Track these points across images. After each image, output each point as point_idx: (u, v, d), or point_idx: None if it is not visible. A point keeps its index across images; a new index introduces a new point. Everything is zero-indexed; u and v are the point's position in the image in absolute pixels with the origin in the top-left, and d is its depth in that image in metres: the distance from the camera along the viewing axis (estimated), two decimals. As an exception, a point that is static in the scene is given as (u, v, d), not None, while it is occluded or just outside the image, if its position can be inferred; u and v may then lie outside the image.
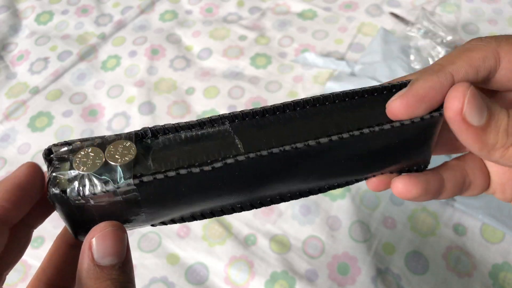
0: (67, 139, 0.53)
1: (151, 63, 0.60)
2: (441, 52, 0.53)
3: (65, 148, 0.18)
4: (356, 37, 0.60)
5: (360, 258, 0.41)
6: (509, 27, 0.59)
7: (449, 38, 0.53)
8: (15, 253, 0.20)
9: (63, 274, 0.21)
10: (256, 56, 0.59)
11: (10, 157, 0.52)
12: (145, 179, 0.17)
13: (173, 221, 0.21)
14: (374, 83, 0.51)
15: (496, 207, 0.42)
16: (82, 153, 0.18)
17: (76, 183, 0.17)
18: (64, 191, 0.17)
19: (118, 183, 0.17)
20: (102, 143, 0.18)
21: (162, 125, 0.19)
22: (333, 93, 0.20)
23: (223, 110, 0.53)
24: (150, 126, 0.19)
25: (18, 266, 0.43)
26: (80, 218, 0.18)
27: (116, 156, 0.17)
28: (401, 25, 0.59)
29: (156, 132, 0.18)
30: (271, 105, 0.19)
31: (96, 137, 0.18)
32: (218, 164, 0.17)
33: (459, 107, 0.17)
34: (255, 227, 0.44)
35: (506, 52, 0.19)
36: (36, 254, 0.44)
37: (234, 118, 0.19)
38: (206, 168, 0.17)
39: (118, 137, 0.18)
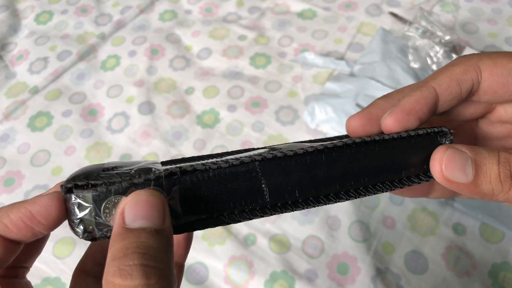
0: (66, 138, 0.54)
1: (151, 63, 0.60)
2: (439, 51, 0.53)
3: (90, 193, 0.18)
4: (356, 37, 0.60)
5: (359, 258, 0.41)
6: (509, 26, 0.59)
7: (447, 37, 0.53)
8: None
9: None
10: (255, 56, 0.59)
11: (10, 156, 0.52)
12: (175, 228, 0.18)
13: None
14: (373, 83, 0.51)
15: (495, 207, 0.42)
16: (109, 204, 0.18)
17: (105, 230, 0.18)
18: (93, 235, 0.18)
19: None
20: (129, 187, 0.18)
21: (190, 165, 0.19)
22: (359, 140, 0.20)
23: (222, 110, 0.53)
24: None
25: (17, 266, 0.43)
26: None
27: None
28: (399, 25, 0.60)
29: (184, 172, 0.18)
30: (301, 149, 0.20)
31: (121, 174, 0.18)
32: (244, 214, 0.19)
33: (439, 171, 0.19)
34: (254, 227, 0.44)
35: (487, 65, 0.20)
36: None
37: (263, 160, 0.19)
38: (233, 217, 0.19)
39: (147, 182, 0.18)
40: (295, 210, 0.20)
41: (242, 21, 0.64)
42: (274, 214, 0.20)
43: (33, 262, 0.21)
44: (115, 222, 0.17)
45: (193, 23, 0.65)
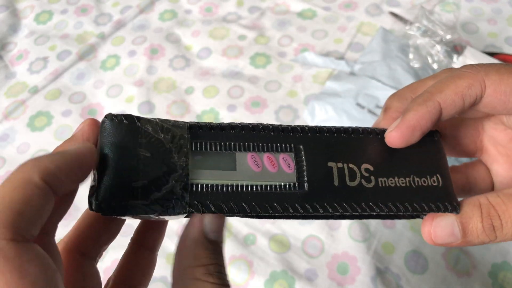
0: (66, 138, 0.53)
1: (151, 62, 0.60)
2: (440, 51, 0.53)
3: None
4: (356, 36, 0.60)
5: (359, 258, 0.41)
6: (509, 26, 0.59)
7: (448, 37, 0.53)
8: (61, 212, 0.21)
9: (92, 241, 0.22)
10: (255, 56, 0.59)
11: (10, 156, 0.52)
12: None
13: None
14: (373, 82, 0.51)
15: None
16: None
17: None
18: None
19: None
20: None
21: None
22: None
23: (222, 110, 0.53)
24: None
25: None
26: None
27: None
28: (400, 24, 0.59)
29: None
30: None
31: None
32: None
33: (430, 239, 0.21)
34: (254, 227, 0.44)
35: (493, 82, 0.21)
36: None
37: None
38: None
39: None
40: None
41: (242, 21, 0.64)
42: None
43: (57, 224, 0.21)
44: (194, 227, 0.18)
45: (193, 23, 0.65)
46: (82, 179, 0.18)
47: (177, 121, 0.20)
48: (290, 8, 0.65)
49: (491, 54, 0.53)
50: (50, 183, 0.16)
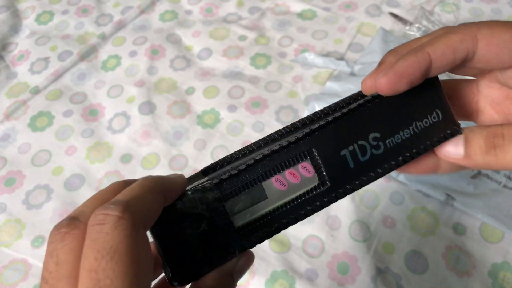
0: (67, 138, 0.54)
1: (151, 63, 0.60)
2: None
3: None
4: (356, 37, 0.60)
5: (359, 258, 0.41)
6: (508, 27, 0.59)
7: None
8: None
9: None
10: (256, 56, 0.59)
11: (11, 156, 0.52)
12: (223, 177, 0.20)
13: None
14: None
15: (495, 206, 0.42)
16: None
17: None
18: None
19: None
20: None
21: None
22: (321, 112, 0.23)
23: (223, 110, 0.54)
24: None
25: (18, 265, 0.43)
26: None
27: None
28: (400, 25, 0.60)
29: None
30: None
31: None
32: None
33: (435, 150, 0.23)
34: (255, 227, 0.44)
35: (485, 35, 0.21)
36: (37, 254, 0.44)
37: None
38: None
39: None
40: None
41: (242, 21, 0.64)
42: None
43: None
44: (228, 266, 0.21)
45: (194, 23, 0.65)
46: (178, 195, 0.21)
47: (204, 184, 0.20)
48: (290, 8, 0.65)
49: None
50: (165, 198, 0.20)
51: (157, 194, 0.19)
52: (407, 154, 0.23)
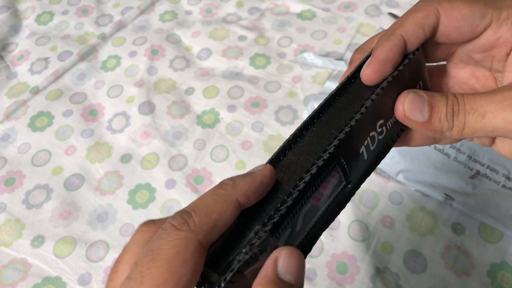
0: (67, 138, 0.54)
1: (151, 63, 0.60)
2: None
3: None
4: (355, 37, 0.60)
5: (359, 257, 0.41)
6: (508, 27, 0.59)
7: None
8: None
9: None
10: (255, 56, 0.59)
11: (11, 156, 0.52)
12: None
13: None
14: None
15: (494, 206, 0.42)
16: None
17: None
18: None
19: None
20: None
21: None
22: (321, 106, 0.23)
23: (222, 110, 0.54)
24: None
25: (18, 265, 0.43)
26: None
27: None
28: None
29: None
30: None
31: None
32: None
33: (402, 112, 0.22)
34: (254, 226, 0.44)
35: (445, 9, 0.23)
36: (36, 253, 0.44)
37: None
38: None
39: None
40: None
41: (242, 21, 0.64)
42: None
43: None
44: (269, 267, 0.18)
45: (193, 24, 0.65)
46: (263, 195, 0.20)
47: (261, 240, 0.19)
48: (289, 9, 0.65)
49: None
50: (242, 203, 0.19)
51: (229, 203, 0.19)
52: (401, 129, 0.24)
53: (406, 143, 0.26)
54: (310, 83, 0.55)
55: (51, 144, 0.53)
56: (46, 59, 0.62)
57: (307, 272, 0.41)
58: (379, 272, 0.40)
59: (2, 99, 0.58)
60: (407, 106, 0.22)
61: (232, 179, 0.20)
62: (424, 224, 0.43)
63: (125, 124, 0.54)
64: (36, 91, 0.58)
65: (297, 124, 0.51)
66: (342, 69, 0.55)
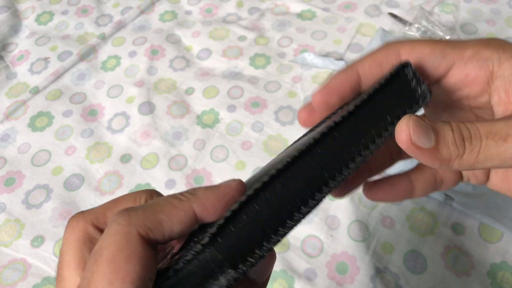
0: (67, 138, 0.54)
1: (151, 63, 0.60)
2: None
3: None
4: (355, 37, 0.60)
5: (358, 257, 0.41)
6: (508, 27, 0.59)
7: (448, 37, 0.53)
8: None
9: None
10: (255, 56, 0.59)
11: (10, 156, 0.52)
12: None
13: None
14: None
15: (494, 206, 0.42)
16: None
17: None
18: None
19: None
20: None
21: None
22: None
23: (222, 110, 0.54)
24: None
25: (18, 265, 0.43)
26: None
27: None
28: (399, 25, 0.60)
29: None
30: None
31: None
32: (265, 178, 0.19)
33: (408, 138, 0.20)
34: (254, 227, 0.44)
35: (406, 50, 0.23)
36: (36, 254, 0.44)
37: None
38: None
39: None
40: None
41: (242, 21, 0.64)
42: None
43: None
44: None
45: (193, 24, 0.65)
46: (229, 207, 0.19)
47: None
48: (289, 9, 0.65)
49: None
50: (199, 213, 0.19)
51: (182, 209, 0.18)
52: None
53: (407, 195, 0.26)
54: (310, 83, 0.55)
55: (51, 144, 0.52)
56: (46, 59, 0.62)
57: (307, 272, 0.41)
58: (379, 272, 0.40)
59: (2, 99, 0.58)
60: (413, 129, 0.20)
61: (194, 189, 0.19)
62: (424, 224, 0.43)
63: (125, 124, 0.54)
64: (36, 91, 0.58)
65: (297, 124, 0.51)
66: (342, 69, 0.55)
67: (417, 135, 0.20)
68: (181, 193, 0.19)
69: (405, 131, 0.20)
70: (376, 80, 0.23)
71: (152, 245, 0.17)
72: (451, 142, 0.20)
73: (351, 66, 0.24)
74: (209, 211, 0.19)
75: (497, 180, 0.25)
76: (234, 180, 0.20)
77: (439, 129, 0.20)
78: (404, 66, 0.22)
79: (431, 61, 0.23)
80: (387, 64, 0.23)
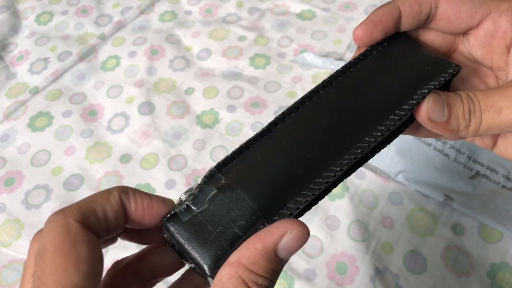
0: (66, 139, 0.54)
1: (151, 63, 0.60)
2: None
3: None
4: (355, 37, 0.60)
5: (358, 258, 0.41)
6: (508, 27, 0.59)
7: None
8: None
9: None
10: (255, 57, 0.59)
11: (10, 156, 0.52)
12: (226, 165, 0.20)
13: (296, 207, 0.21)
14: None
15: (494, 207, 0.42)
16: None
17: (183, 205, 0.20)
18: (172, 213, 0.20)
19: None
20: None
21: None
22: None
23: (222, 110, 0.54)
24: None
25: (18, 265, 0.43)
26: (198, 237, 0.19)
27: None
28: (399, 26, 0.60)
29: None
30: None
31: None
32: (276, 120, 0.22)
33: (425, 113, 0.22)
34: (254, 227, 0.44)
35: None
36: (36, 254, 0.44)
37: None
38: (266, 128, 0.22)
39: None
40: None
41: (241, 21, 0.64)
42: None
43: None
44: (273, 237, 0.19)
45: (193, 24, 0.65)
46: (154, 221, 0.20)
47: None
48: (289, 9, 0.65)
49: None
50: (123, 201, 0.19)
51: (112, 195, 0.19)
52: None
53: (413, 133, 0.26)
54: (310, 83, 0.55)
55: (50, 144, 0.52)
56: (45, 59, 0.62)
57: (307, 272, 0.41)
58: (379, 272, 0.40)
59: (1, 99, 0.58)
60: (431, 106, 0.22)
61: (124, 187, 0.20)
62: (424, 225, 0.43)
63: (124, 124, 0.54)
64: (35, 91, 0.58)
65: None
66: (342, 69, 0.55)
67: (434, 111, 0.22)
68: (112, 188, 0.20)
69: (425, 106, 0.22)
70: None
71: (92, 232, 0.18)
72: (461, 116, 0.22)
73: (392, 2, 0.24)
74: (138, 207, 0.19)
75: (504, 145, 0.25)
76: (165, 199, 0.21)
77: (451, 103, 0.22)
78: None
79: (469, 6, 0.23)
80: (426, 4, 0.23)
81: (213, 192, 0.20)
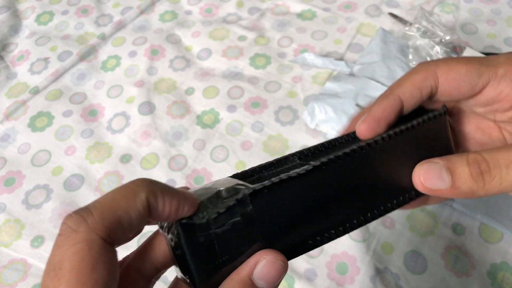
0: (67, 139, 0.54)
1: (151, 63, 0.60)
2: (439, 51, 0.53)
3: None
4: (355, 37, 0.60)
5: (359, 258, 0.41)
6: (508, 27, 0.59)
7: (448, 37, 0.53)
8: None
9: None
10: (255, 56, 0.59)
11: (10, 156, 0.52)
12: (254, 187, 0.19)
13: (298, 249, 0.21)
14: (372, 83, 0.51)
15: (494, 207, 0.42)
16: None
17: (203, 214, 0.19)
18: (191, 219, 0.19)
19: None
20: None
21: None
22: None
23: (222, 110, 0.54)
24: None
25: (18, 265, 0.43)
26: (206, 253, 0.19)
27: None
28: (399, 25, 0.60)
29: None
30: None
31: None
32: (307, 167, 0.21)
33: (420, 184, 0.22)
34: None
35: (443, 72, 0.23)
36: (36, 254, 0.44)
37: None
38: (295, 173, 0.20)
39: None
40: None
41: (242, 21, 0.64)
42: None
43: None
44: (246, 267, 0.19)
45: (193, 24, 0.65)
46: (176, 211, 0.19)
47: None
48: (290, 9, 0.65)
49: (490, 55, 0.53)
50: (151, 205, 0.17)
51: (139, 199, 0.17)
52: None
53: (422, 203, 0.26)
54: (310, 83, 0.55)
55: (51, 144, 0.52)
56: (46, 59, 0.62)
57: (307, 272, 0.41)
58: (379, 272, 0.40)
59: (2, 99, 0.58)
60: (423, 177, 0.22)
61: (149, 179, 0.19)
62: (424, 225, 0.43)
63: (125, 124, 0.54)
64: (36, 91, 0.58)
65: (297, 124, 0.51)
66: (343, 69, 0.55)
67: (428, 180, 0.22)
68: (131, 182, 0.18)
69: (417, 179, 0.22)
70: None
71: (114, 245, 0.17)
72: (469, 179, 0.21)
73: (392, 92, 0.24)
74: (165, 203, 0.18)
75: None
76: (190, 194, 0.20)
77: (454, 167, 0.21)
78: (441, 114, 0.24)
79: (468, 81, 0.23)
80: (427, 88, 0.24)
81: (236, 219, 0.19)
